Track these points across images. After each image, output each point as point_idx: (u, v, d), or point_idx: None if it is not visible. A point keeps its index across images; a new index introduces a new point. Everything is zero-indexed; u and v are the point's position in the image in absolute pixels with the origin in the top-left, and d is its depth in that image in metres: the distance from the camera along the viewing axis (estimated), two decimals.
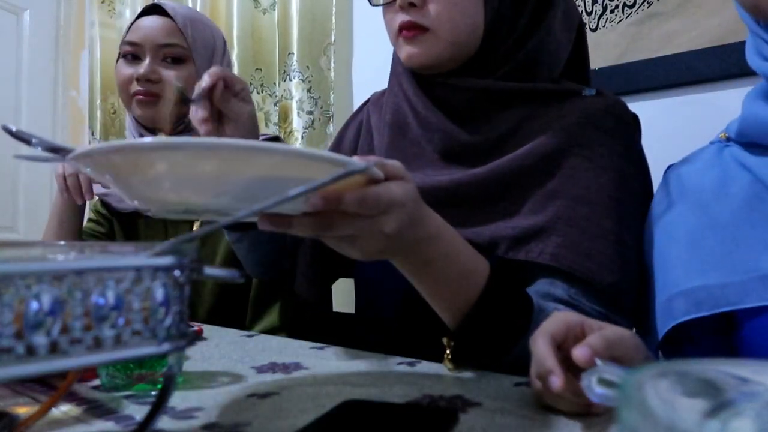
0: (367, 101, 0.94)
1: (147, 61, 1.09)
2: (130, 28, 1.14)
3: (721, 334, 0.60)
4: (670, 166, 0.71)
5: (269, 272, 0.95)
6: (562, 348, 0.46)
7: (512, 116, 0.75)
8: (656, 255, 0.66)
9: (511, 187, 0.72)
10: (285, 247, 0.92)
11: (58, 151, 0.46)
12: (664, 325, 0.61)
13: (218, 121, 0.77)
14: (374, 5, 0.79)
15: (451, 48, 0.74)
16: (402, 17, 0.73)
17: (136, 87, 1.10)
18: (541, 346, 0.46)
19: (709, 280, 0.58)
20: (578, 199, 0.69)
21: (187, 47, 1.10)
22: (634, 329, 0.71)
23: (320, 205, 0.43)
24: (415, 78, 0.80)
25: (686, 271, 0.60)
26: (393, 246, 0.52)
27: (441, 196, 0.72)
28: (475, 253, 0.60)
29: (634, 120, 0.77)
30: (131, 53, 1.12)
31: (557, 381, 0.43)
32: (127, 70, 1.12)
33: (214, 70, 0.75)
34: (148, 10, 1.13)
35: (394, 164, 0.49)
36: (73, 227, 1.14)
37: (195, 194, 0.41)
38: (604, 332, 0.46)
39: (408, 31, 0.73)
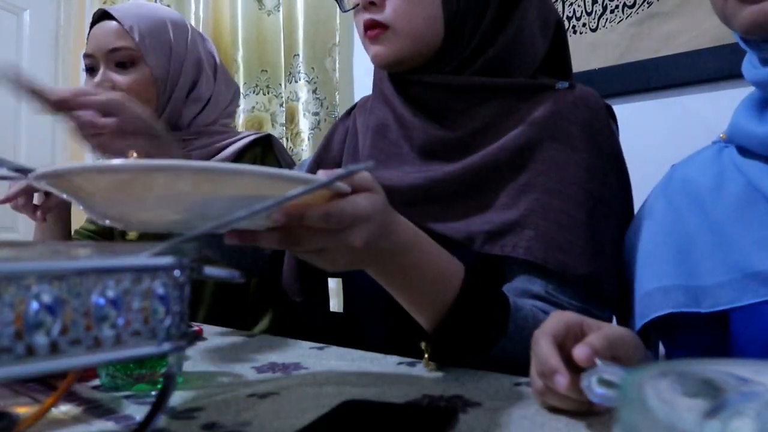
0: (356, 105, 0.95)
1: (101, 70, 1.05)
2: (88, 39, 1.09)
3: (713, 326, 0.61)
4: (673, 165, 0.72)
5: (249, 275, 0.98)
6: (561, 348, 0.46)
7: (486, 111, 0.76)
8: (647, 248, 0.66)
9: (486, 182, 0.72)
10: (255, 254, 0.94)
11: (22, 171, 0.45)
12: (652, 310, 0.61)
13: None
14: (345, 11, 0.81)
15: (411, 43, 0.75)
16: (365, 16, 0.75)
17: None
18: (543, 346, 0.46)
19: (704, 280, 0.59)
20: (551, 191, 0.70)
21: (136, 48, 1.05)
22: (614, 319, 0.72)
23: (282, 220, 0.43)
24: (392, 79, 0.81)
25: (679, 269, 0.61)
26: (362, 257, 0.52)
27: (417, 194, 0.73)
28: (449, 257, 0.60)
29: (607, 110, 0.77)
30: (88, 66, 1.08)
31: (563, 380, 0.43)
32: (89, 84, 1.07)
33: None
34: (97, 18, 1.08)
35: (362, 176, 0.48)
36: (60, 228, 1.12)
37: (169, 213, 0.41)
38: (604, 331, 0.46)
39: (371, 30, 0.75)
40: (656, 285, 0.63)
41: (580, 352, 0.42)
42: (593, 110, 0.75)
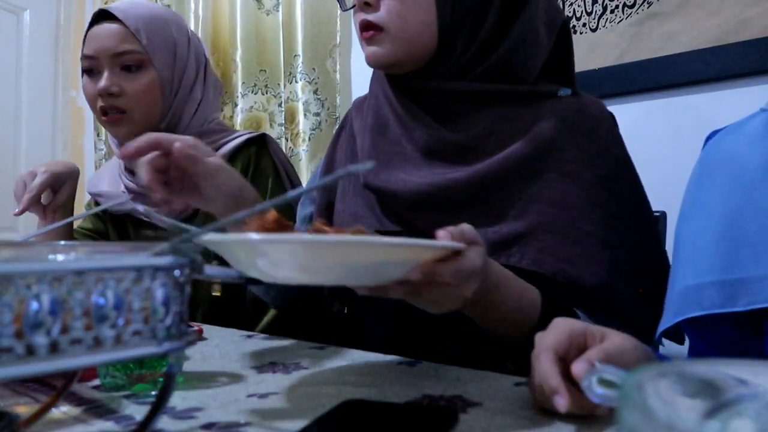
0: (351, 108, 0.94)
1: (105, 74, 1.04)
2: (85, 39, 1.07)
3: (748, 324, 0.57)
4: (711, 135, 0.66)
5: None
6: (564, 359, 0.46)
7: (489, 116, 0.76)
8: (689, 237, 0.61)
9: (491, 192, 0.72)
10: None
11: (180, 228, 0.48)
12: (683, 311, 0.57)
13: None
14: (344, 10, 0.81)
15: (405, 45, 0.74)
16: (361, 17, 0.75)
17: (101, 103, 1.05)
18: (544, 363, 0.46)
19: (745, 272, 0.54)
20: (558, 203, 0.70)
21: (144, 51, 1.04)
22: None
23: (418, 278, 0.47)
24: (393, 81, 0.81)
25: (718, 258, 0.57)
26: (464, 301, 0.54)
27: (421, 200, 0.73)
28: (526, 286, 0.63)
29: (610, 118, 0.77)
30: (89, 68, 1.06)
31: (562, 402, 0.43)
32: (90, 86, 1.06)
33: (144, 140, 0.67)
34: (97, 17, 1.06)
35: (470, 231, 0.51)
36: (62, 228, 1.12)
37: (314, 278, 0.46)
38: (604, 345, 0.46)
39: (366, 32, 0.75)
40: (691, 282, 0.58)
41: (578, 369, 0.42)
42: (597, 118, 0.75)
